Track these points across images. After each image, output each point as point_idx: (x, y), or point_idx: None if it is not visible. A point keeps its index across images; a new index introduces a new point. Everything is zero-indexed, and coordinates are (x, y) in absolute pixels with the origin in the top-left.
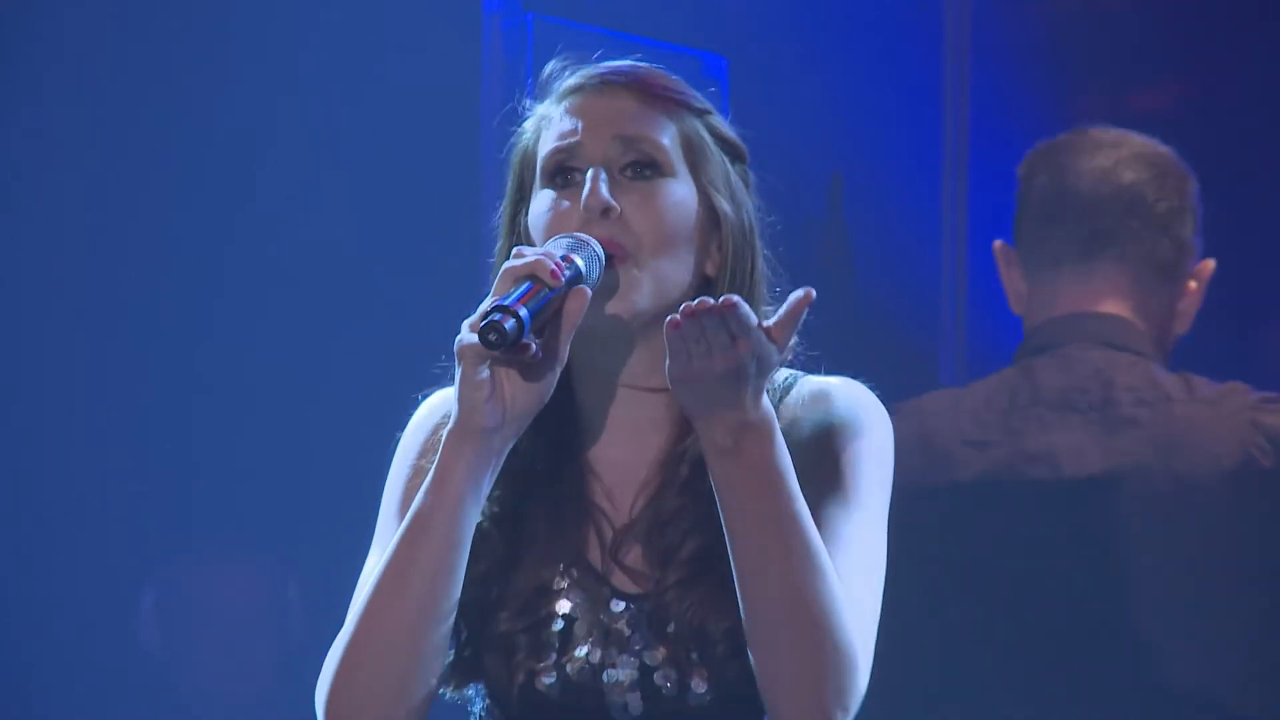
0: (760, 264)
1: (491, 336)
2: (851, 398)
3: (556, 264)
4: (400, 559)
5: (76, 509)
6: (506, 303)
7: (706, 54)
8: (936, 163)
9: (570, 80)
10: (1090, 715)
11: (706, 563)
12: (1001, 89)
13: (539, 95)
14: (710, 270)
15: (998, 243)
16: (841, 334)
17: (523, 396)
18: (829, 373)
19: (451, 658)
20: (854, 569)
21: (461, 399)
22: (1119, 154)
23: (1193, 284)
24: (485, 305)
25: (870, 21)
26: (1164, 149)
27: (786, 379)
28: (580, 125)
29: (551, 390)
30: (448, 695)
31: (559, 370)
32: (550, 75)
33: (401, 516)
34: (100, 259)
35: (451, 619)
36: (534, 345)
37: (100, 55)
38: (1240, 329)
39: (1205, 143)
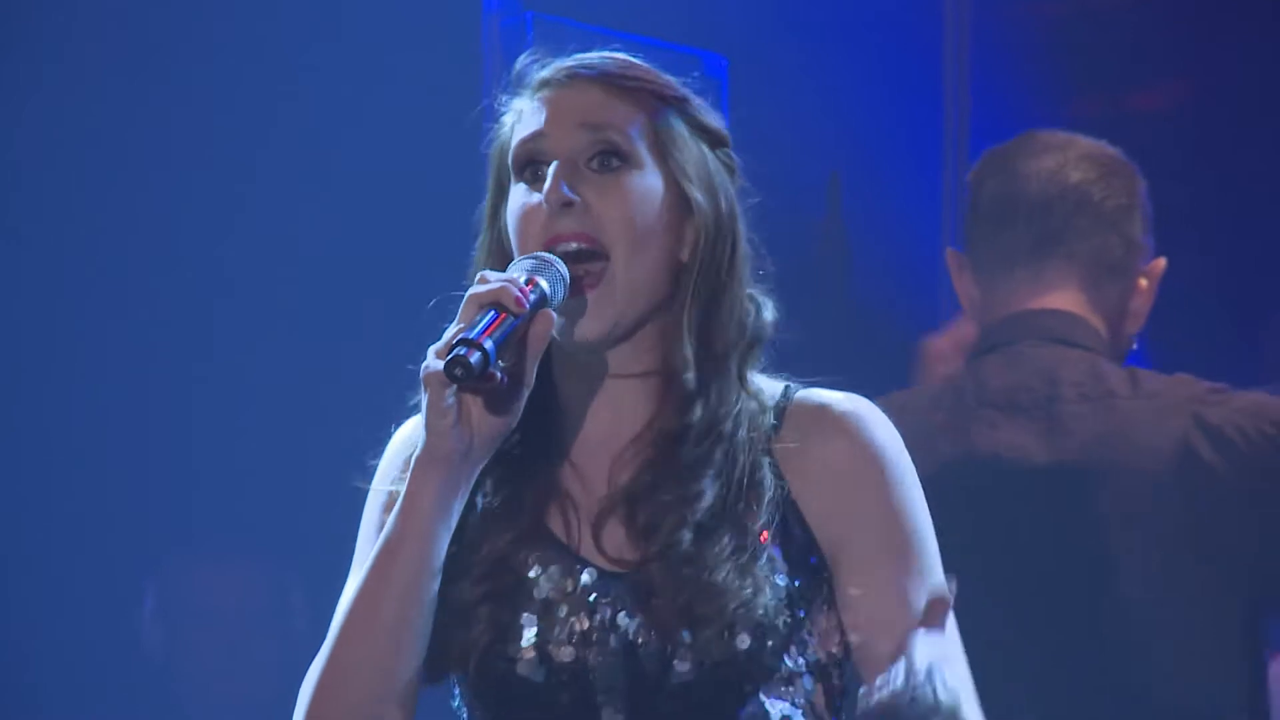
0: (741, 248)
1: (457, 371)
2: (868, 424)
3: (521, 290)
4: (370, 586)
5: (79, 510)
6: (471, 335)
7: (706, 54)
8: (936, 163)
9: (541, 73)
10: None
11: (690, 539)
12: (1001, 89)
13: (513, 90)
14: (684, 256)
15: (949, 250)
16: (840, 334)
17: (489, 422)
18: (826, 375)
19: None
20: (952, 652)
21: (428, 426)
22: (1066, 155)
23: (1143, 282)
24: (449, 335)
25: (870, 21)
26: (1112, 150)
27: (784, 392)
28: (547, 117)
29: (519, 415)
30: (430, 684)
31: (525, 395)
32: (522, 69)
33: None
34: (102, 259)
35: (424, 643)
36: (500, 375)
37: (100, 54)
38: (1240, 328)
39: (1205, 143)
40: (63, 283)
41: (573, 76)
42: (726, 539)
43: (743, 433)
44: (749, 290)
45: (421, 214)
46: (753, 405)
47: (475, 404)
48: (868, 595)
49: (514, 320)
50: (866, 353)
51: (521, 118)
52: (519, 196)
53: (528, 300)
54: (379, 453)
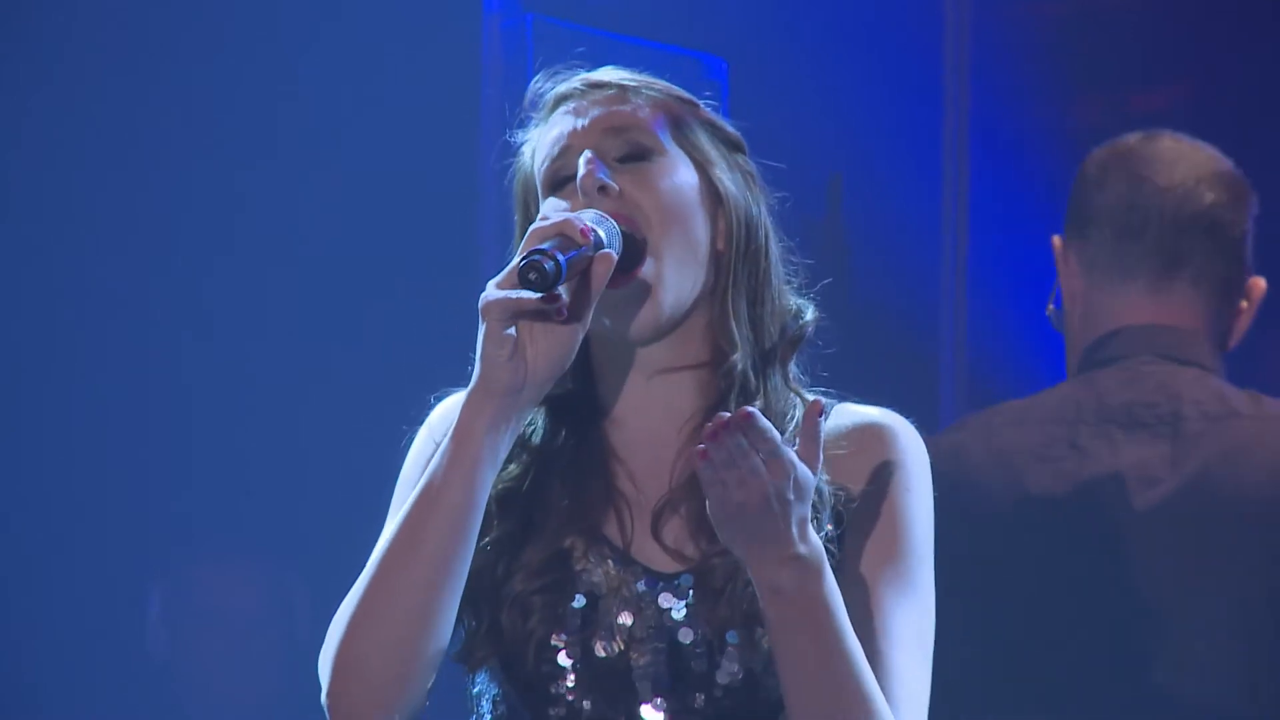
0: (774, 245)
1: (532, 275)
2: (901, 439)
3: (584, 227)
4: (415, 518)
5: (83, 512)
6: (544, 248)
7: (706, 55)
8: (936, 163)
9: (558, 89)
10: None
11: None
12: (1001, 89)
13: (527, 114)
14: (720, 244)
15: (1057, 237)
16: (840, 335)
17: (544, 358)
18: (833, 378)
19: (469, 631)
20: (908, 660)
21: (484, 357)
22: (1200, 173)
23: (1244, 303)
24: (516, 260)
25: (870, 22)
26: (1235, 169)
27: (824, 407)
28: (569, 130)
29: (573, 354)
30: (468, 671)
31: (581, 335)
32: (535, 92)
33: None
34: (104, 261)
35: (462, 584)
36: (563, 297)
37: (100, 55)
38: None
39: (1206, 143)
40: (63, 283)
41: (590, 85)
42: None
43: (794, 430)
44: (788, 290)
45: (421, 215)
46: (800, 406)
47: (531, 339)
48: (850, 599)
49: (580, 249)
50: (867, 353)
51: (542, 140)
52: (547, 206)
53: (590, 236)
54: (384, 455)
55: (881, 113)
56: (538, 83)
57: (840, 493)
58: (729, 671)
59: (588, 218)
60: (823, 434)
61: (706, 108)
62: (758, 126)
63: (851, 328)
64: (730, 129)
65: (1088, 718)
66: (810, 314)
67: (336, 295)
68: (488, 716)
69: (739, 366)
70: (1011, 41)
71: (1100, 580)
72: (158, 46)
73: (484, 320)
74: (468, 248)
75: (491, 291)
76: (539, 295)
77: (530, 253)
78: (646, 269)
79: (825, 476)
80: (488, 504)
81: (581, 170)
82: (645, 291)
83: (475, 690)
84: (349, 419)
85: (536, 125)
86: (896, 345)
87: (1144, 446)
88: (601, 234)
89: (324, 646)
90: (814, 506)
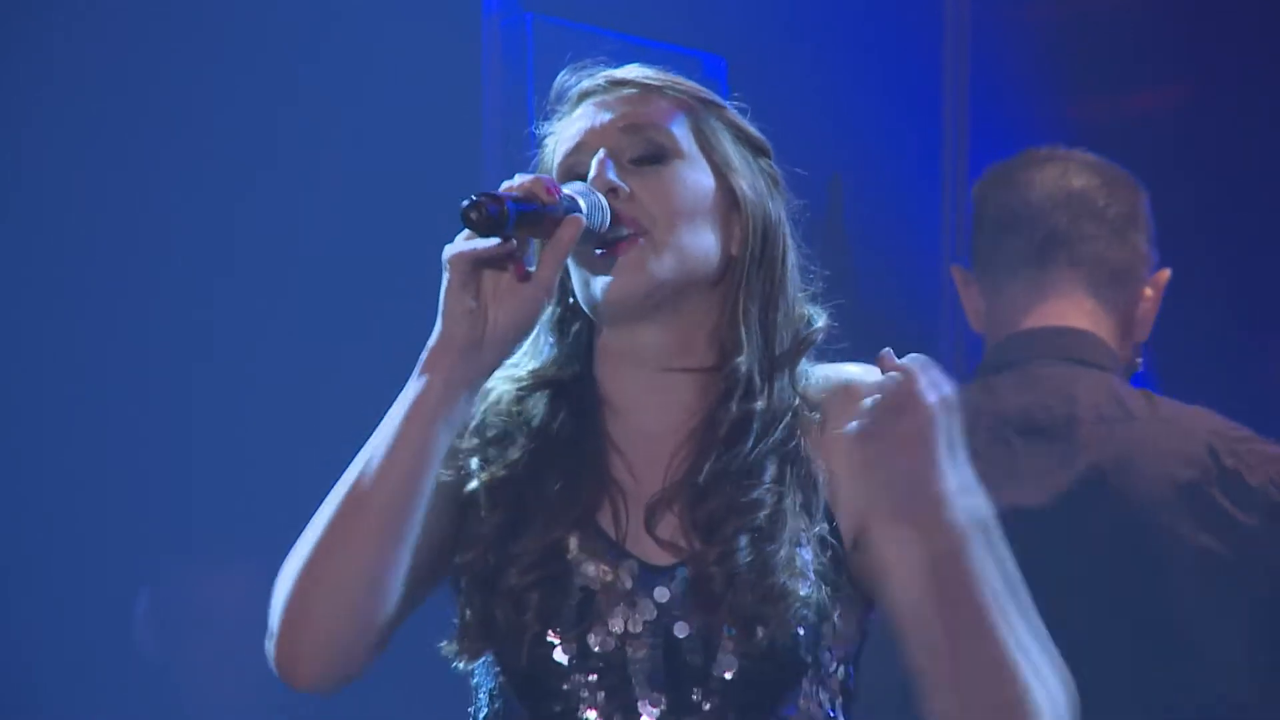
0: (791, 254)
1: (472, 214)
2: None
3: (552, 187)
4: (365, 473)
5: (74, 512)
6: (495, 193)
7: (706, 55)
8: (936, 163)
9: (581, 84)
10: None
11: (751, 536)
12: (1001, 89)
13: (552, 109)
14: (734, 249)
15: (954, 266)
16: (841, 335)
17: (506, 316)
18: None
19: (462, 623)
20: (1022, 610)
21: (444, 310)
22: (1067, 164)
23: (1149, 291)
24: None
25: (870, 21)
26: (1113, 164)
27: (806, 377)
28: (587, 126)
29: (536, 320)
30: (462, 668)
31: (544, 301)
32: (560, 87)
33: None
34: (100, 260)
35: (411, 543)
36: (517, 248)
37: (101, 56)
38: (1241, 331)
39: (1205, 143)
40: (60, 284)
41: (613, 83)
42: (782, 537)
43: (799, 433)
44: (802, 297)
45: (421, 215)
46: (803, 408)
47: (495, 296)
48: (906, 546)
49: (541, 205)
50: (867, 353)
51: (563, 134)
52: None
53: (559, 196)
54: None
55: (881, 113)
56: (564, 77)
57: (827, 474)
58: (725, 665)
59: (572, 187)
60: (797, 402)
61: (733, 110)
62: (758, 126)
63: (851, 328)
64: (756, 133)
65: None
66: (821, 321)
67: (335, 295)
68: (485, 709)
69: (743, 369)
70: (1011, 41)
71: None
72: (157, 47)
73: (446, 271)
74: None
75: (455, 243)
76: (495, 241)
77: (477, 194)
78: (643, 242)
79: (819, 468)
80: (480, 490)
81: (592, 171)
82: (638, 260)
83: (474, 681)
84: (346, 419)
85: (559, 119)
86: (896, 345)
87: (1038, 450)
88: (582, 203)
89: (274, 592)
90: (804, 497)
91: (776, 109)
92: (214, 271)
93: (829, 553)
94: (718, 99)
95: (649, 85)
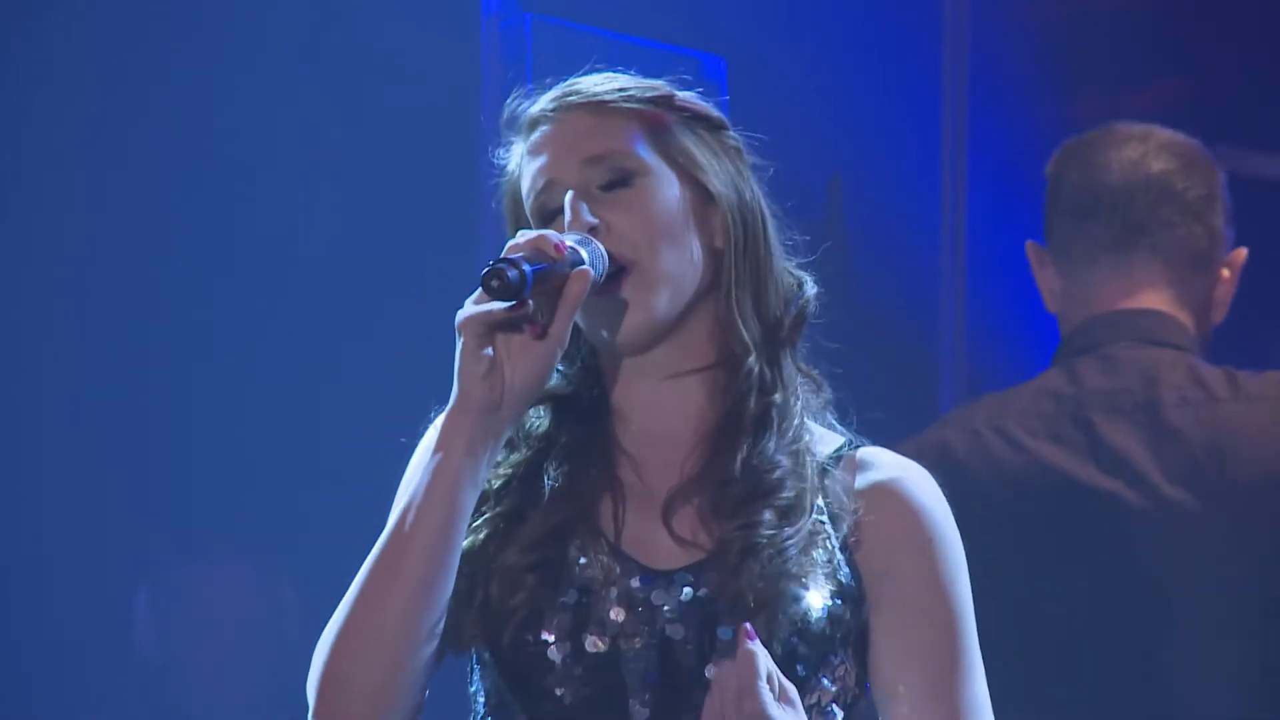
0: (770, 225)
1: (494, 283)
2: (919, 497)
3: (559, 243)
4: (395, 538)
5: (72, 510)
6: (511, 257)
7: (705, 55)
8: (936, 163)
9: (531, 111)
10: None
11: (775, 511)
12: (1001, 89)
13: (506, 134)
14: (719, 243)
15: (1030, 243)
16: (840, 335)
17: (521, 375)
18: (833, 378)
19: (455, 603)
20: None
21: (461, 373)
22: (1147, 145)
23: (1225, 272)
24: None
25: (870, 21)
26: (1191, 140)
27: (840, 447)
28: (547, 161)
29: (550, 373)
30: (455, 654)
31: (559, 353)
32: (512, 112)
33: None
34: (99, 260)
35: (445, 600)
36: (532, 308)
37: (99, 58)
38: (1241, 330)
39: (1205, 142)
40: (59, 283)
41: (560, 108)
42: (801, 525)
43: (809, 437)
44: (788, 265)
45: (421, 216)
46: (815, 401)
47: (508, 356)
48: (905, 675)
49: (551, 263)
50: (867, 353)
51: (524, 166)
52: None
53: (565, 251)
54: (375, 455)
55: (881, 112)
56: (512, 102)
57: (859, 553)
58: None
59: (570, 238)
60: (839, 485)
61: (680, 92)
62: (757, 126)
63: (851, 327)
64: (710, 109)
65: (1076, 713)
66: (810, 288)
67: (333, 295)
68: (481, 711)
69: (755, 369)
70: (1011, 41)
71: (1090, 573)
72: (157, 48)
73: (460, 336)
74: (467, 249)
75: (468, 307)
76: (508, 305)
77: (494, 261)
78: (634, 280)
79: (831, 520)
80: (485, 489)
81: (568, 215)
82: (634, 301)
83: (472, 689)
84: (343, 421)
85: (514, 147)
86: (896, 345)
87: (1123, 434)
88: (584, 254)
89: (311, 669)
90: (813, 507)
91: (776, 109)
92: (214, 270)
93: (844, 584)
94: (663, 87)
95: (596, 102)
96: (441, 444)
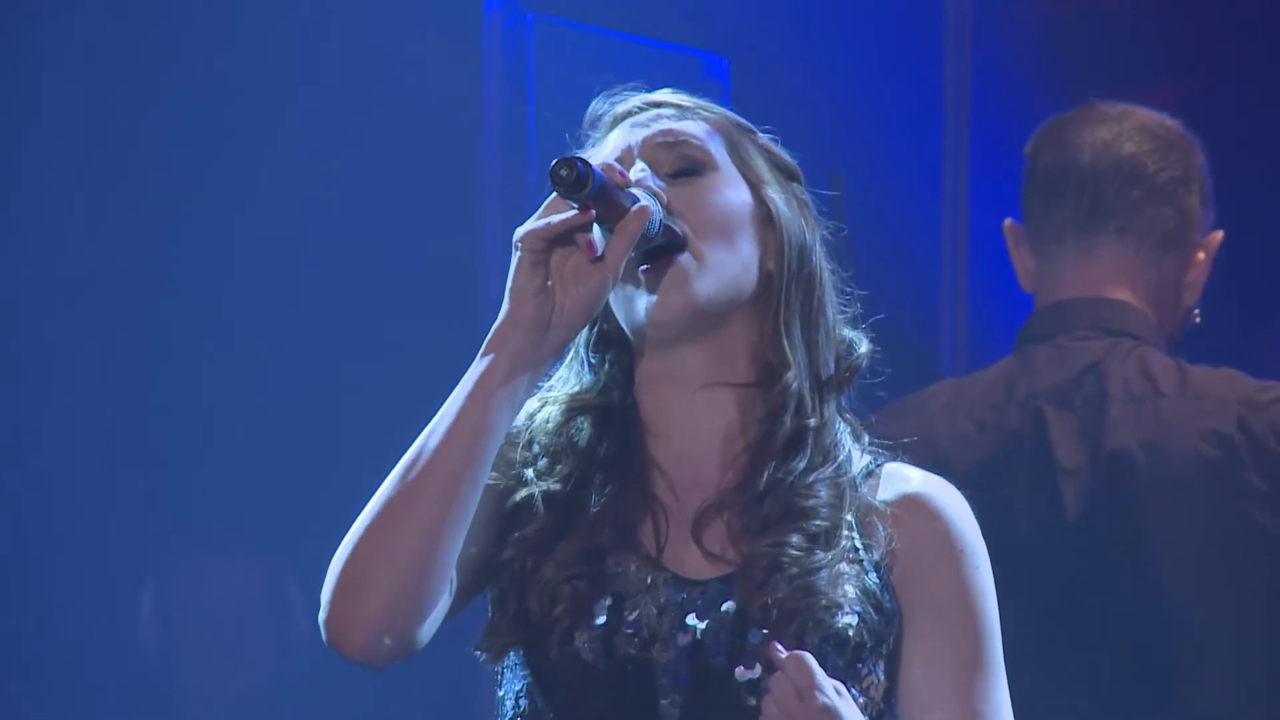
0: (828, 276)
1: (563, 171)
2: (948, 511)
3: (624, 173)
4: (428, 444)
5: (76, 506)
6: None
7: (707, 54)
8: (936, 163)
9: (617, 108)
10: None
11: (804, 537)
12: (1001, 89)
13: (584, 137)
14: (771, 264)
15: (1007, 221)
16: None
17: (573, 299)
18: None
19: (494, 617)
20: None
21: (513, 289)
22: (1121, 126)
23: (1200, 255)
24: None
25: (870, 21)
26: (1170, 122)
27: (867, 463)
28: (625, 143)
29: (601, 303)
30: (487, 664)
31: (610, 285)
32: (596, 112)
33: None
34: (102, 258)
35: (468, 518)
36: (594, 217)
37: (101, 58)
38: (1241, 329)
39: (1205, 143)
40: (64, 280)
41: (648, 105)
42: (834, 552)
43: (845, 462)
44: (841, 320)
45: (422, 216)
46: (851, 442)
47: (561, 278)
48: (931, 680)
49: (617, 185)
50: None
51: (598, 154)
52: None
53: (630, 185)
54: (379, 450)
55: (881, 112)
56: (598, 103)
57: (889, 565)
58: (749, 672)
59: (636, 190)
60: (871, 497)
61: (764, 136)
62: (758, 125)
63: (851, 326)
64: (788, 158)
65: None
66: (864, 347)
67: (335, 293)
68: (510, 713)
69: (794, 385)
70: (1011, 41)
71: (1029, 567)
72: (159, 48)
73: (516, 250)
74: (469, 248)
75: (528, 224)
76: (573, 207)
77: (569, 156)
78: (684, 259)
79: (863, 544)
80: (531, 500)
81: (636, 175)
82: (680, 278)
83: (500, 693)
84: (346, 415)
85: (594, 145)
86: (896, 345)
87: (1070, 429)
88: (644, 201)
89: (329, 569)
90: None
91: (777, 108)
92: (217, 269)
93: (876, 597)
94: (749, 124)
95: (684, 107)
96: (485, 353)
